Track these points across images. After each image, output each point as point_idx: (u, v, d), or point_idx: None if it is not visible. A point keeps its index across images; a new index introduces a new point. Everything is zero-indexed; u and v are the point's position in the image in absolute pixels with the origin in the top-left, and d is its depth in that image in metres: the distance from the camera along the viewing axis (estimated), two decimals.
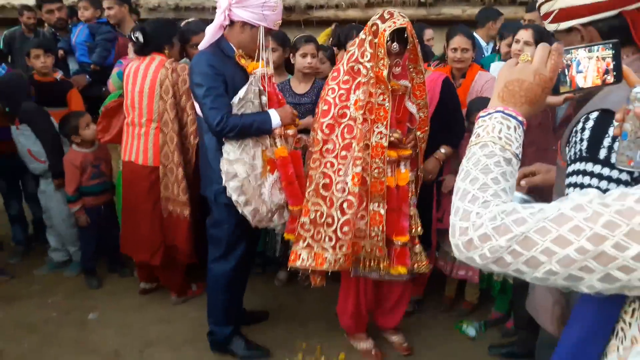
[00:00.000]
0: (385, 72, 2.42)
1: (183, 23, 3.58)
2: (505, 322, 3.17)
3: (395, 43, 2.42)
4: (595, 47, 1.02)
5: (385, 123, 2.49)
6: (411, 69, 2.58)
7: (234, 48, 2.61)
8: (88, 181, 3.58)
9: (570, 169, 1.24)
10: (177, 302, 3.44)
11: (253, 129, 2.56)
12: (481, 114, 0.99)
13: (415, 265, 2.69)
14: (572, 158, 1.25)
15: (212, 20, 2.62)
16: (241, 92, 2.54)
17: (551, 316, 1.52)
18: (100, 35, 4.16)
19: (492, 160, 0.91)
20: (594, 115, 1.23)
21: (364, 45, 2.47)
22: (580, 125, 1.26)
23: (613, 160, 1.14)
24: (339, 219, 2.52)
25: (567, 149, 1.29)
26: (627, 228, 0.72)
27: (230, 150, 2.59)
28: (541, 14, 1.41)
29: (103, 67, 4.08)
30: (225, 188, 2.61)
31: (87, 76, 4.10)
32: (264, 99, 2.62)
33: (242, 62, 2.59)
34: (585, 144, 1.21)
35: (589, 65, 1.02)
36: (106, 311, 3.36)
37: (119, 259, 3.86)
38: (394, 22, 2.36)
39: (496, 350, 2.93)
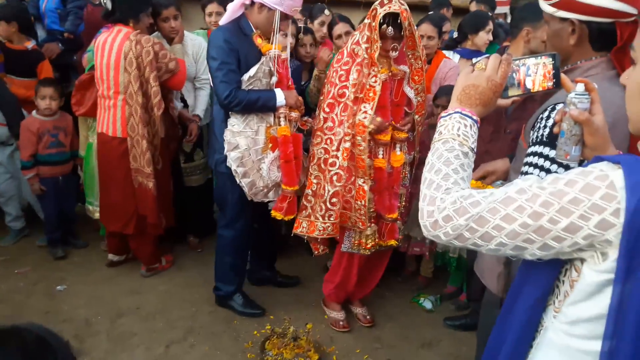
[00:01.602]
0: (376, 54, 2.56)
1: None
2: (459, 296, 3.41)
3: (390, 27, 2.52)
4: (540, 58, 1.20)
5: (372, 104, 2.62)
6: (409, 55, 2.69)
7: (253, 27, 2.72)
8: (44, 149, 3.58)
9: (530, 149, 1.44)
10: (146, 275, 3.52)
11: (258, 104, 2.71)
12: (442, 114, 1.15)
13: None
14: (534, 141, 1.44)
15: None
16: (252, 71, 2.69)
17: (496, 279, 1.82)
18: (71, 2, 4.08)
19: (452, 154, 1.07)
20: (560, 106, 1.40)
21: (364, 29, 2.61)
22: (546, 114, 1.45)
23: None
24: (329, 191, 2.72)
25: (531, 132, 1.48)
26: (558, 206, 0.90)
27: (235, 123, 2.76)
28: None
29: (75, 35, 4.03)
30: (225, 158, 2.79)
31: (60, 44, 4.03)
32: (274, 79, 2.76)
33: (258, 42, 2.71)
34: (547, 130, 1.41)
35: (535, 72, 1.19)
36: (75, 283, 3.40)
37: (72, 231, 3.90)
38: (389, 7, 2.48)
39: (451, 322, 3.16)
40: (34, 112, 3.58)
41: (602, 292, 0.91)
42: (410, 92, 2.75)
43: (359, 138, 2.65)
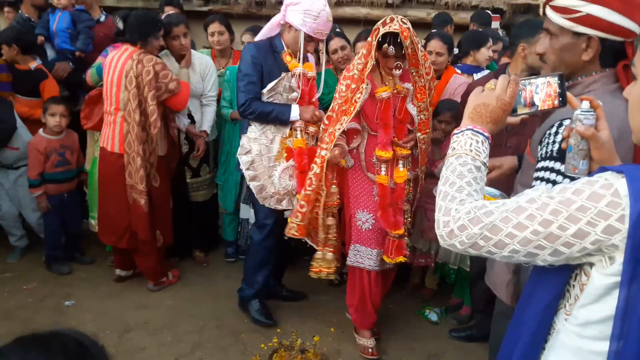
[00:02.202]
0: (367, 72, 2.62)
1: (164, 15, 3.68)
2: (461, 309, 3.44)
3: (391, 46, 2.56)
4: (546, 77, 1.27)
5: (348, 118, 2.70)
6: (413, 73, 2.72)
7: (284, 46, 2.90)
8: (52, 168, 3.63)
9: (540, 164, 1.49)
10: (153, 290, 3.54)
11: (271, 116, 2.91)
12: (455, 131, 1.22)
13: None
14: (543, 156, 1.49)
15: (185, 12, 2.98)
16: (271, 84, 2.89)
17: (506, 289, 1.86)
18: (82, 22, 4.18)
19: (465, 168, 1.14)
20: (567, 122, 1.45)
21: (365, 46, 2.69)
22: (554, 130, 1.49)
23: None
24: (301, 193, 2.83)
25: (538, 147, 1.53)
26: (567, 214, 0.96)
27: (253, 130, 2.97)
28: (552, 5, 1.51)
29: (85, 54, 4.12)
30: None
31: (70, 63, 4.10)
32: (294, 94, 2.94)
33: (287, 59, 2.90)
34: (556, 146, 1.46)
35: (542, 91, 1.26)
36: (82, 298, 3.43)
37: (78, 247, 3.93)
38: (389, 27, 2.52)
39: (456, 334, 3.19)
40: (40, 130, 3.63)
41: (610, 294, 0.96)
42: (413, 110, 2.79)
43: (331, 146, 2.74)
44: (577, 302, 1.03)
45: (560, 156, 1.42)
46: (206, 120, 3.70)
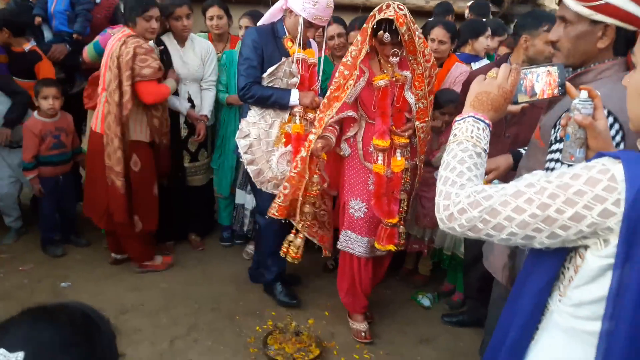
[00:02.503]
0: (360, 59, 2.60)
1: None
2: (454, 295, 3.49)
3: (386, 33, 2.52)
4: (546, 67, 1.31)
5: (338, 104, 2.67)
6: (411, 60, 2.68)
7: (286, 31, 2.91)
8: (47, 151, 3.62)
9: (554, 147, 1.51)
10: (138, 272, 3.56)
11: (271, 100, 2.93)
12: (457, 118, 1.26)
13: (401, 243, 2.94)
14: (558, 139, 1.51)
15: None
16: (271, 68, 2.90)
17: (502, 273, 1.92)
18: (80, 5, 4.14)
19: (466, 154, 1.17)
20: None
21: (360, 32, 2.66)
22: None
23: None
24: (286, 175, 2.86)
25: (552, 130, 1.56)
26: (564, 197, 0.99)
27: (252, 115, 3.00)
28: None
29: (83, 37, 4.09)
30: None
31: (67, 45, 4.08)
32: (294, 80, 2.95)
33: (288, 45, 2.91)
34: None
35: (542, 81, 1.29)
36: (78, 280, 3.45)
37: (74, 229, 3.95)
38: (384, 13, 2.49)
39: (448, 319, 3.24)
40: (34, 113, 3.62)
41: (603, 275, 0.99)
42: (410, 98, 2.76)
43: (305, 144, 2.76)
44: (571, 283, 1.06)
45: None
46: (206, 105, 3.70)
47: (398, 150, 2.80)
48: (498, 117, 1.26)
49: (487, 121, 1.22)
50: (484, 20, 4.21)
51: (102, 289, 3.36)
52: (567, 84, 1.29)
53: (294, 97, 2.93)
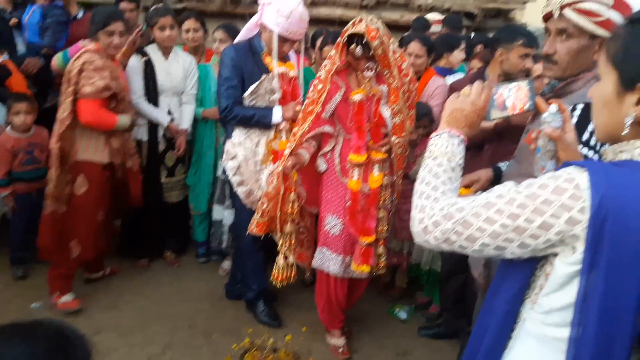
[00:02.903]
0: (331, 73, 2.59)
1: (152, 8, 3.74)
2: (430, 307, 3.51)
3: (359, 47, 2.52)
4: (517, 83, 1.34)
5: (311, 118, 2.66)
6: (386, 74, 2.65)
7: (264, 46, 2.85)
8: (20, 167, 3.53)
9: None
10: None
11: (253, 120, 2.89)
12: (433, 134, 1.29)
13: (377, 265, 2.84)
14: (532, 137, 1.55)
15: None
16: (252, 87, 2.86)
17: (478, 277, 1.96)
18: (51, 17, 4.06)
19: (441, 168, 1.20)
20: (580, 106, 1.53)
21: (334, 47, 2.65)
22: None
23: (592, 142, 1.47)
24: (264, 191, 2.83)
25: None
26: (532, 207, 1.01)
27: (237, 135, 2.94)
28: (575, 8, 1.58)
29: (53, 50, 4.02)
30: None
31: (41, 59, 4.01)
32: (276, 96, 2.89)
33: (267, 60, 2.85)
34: None
35: (514, 97, 1.32)
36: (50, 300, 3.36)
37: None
38: (356, 27, 2.47)
39: (425, 332, 3.25)
40: (7, 128, 3.55)
41: (571, 282, 1.02)
42: (386, 113, 2.72)
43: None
44: (542, 290, 1.09)
45: (577, 137, 1.48)
46: (186, 118, 3.67)
47: (376, 166, 2.76)
48: (472, 132, 1.30)
49: (461, 137, 1.26)
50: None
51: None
52: (537, 98, 1.34)
53: (277, 114, 2.88)
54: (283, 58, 2.93)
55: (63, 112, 3.05)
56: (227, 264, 3.88)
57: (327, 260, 2.87)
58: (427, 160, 1.24)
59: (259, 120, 2.90)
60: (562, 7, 1.64)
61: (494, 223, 1.04)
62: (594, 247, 0.96)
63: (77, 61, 3.03)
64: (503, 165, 2.02)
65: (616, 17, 1.52)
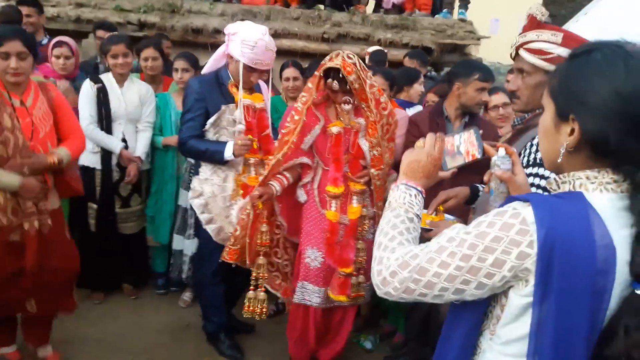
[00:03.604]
0: (306, 106, 2.60)
1: (107, 36, 3.76)
2: (395, 336, 3.51)
3: (335, 82, 2.55)
4: (466, 133, 1.44)
5: (286, 147, 2.64)
6: (364, 108, 2.66)
7: (230, 77, 2.81)
8: None
9: (526, 171, 1.59)
10: None
11: (206, 155, 2.82)
12: (392, 186, 1.33)
13: (354, 296, 2.79)
14: (526, 164, 1.65)
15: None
16: (212, 119, 2.79)
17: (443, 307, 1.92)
18: None
19: (398, 219, 1.23)
20: (536, 141, 1.60)
21: (310, 80, 2.67)
22: (535, 141, 1.67)
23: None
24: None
25: (520, 158, 1.66)
26: (482, 246, 1.04)
27: (204, 171, 2.86)
28: (526, 48, 1.71)
29: None
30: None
31: None
32: (240, 127, 2.81)
33: (233, 91, 2.81)
34: (538, 155, 1.61)
35: (465, 145, 1.43)
36: None
37: None
38: (333, 61, 2.51)
39: None
40: None
41: (525, 313, 1.04)
42: (364, 145, 2.71)
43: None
44: (499, 321, 1.11)
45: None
46: (141, 146, 3.60)
47: (354, 197, 2.74)
48: (430, 183, 1.34)
49: (419, 188, 1.29)
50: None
51: (24, 344, 3.10)
52: (484, 144, 1.42)
53: (228, 150, 2.76)
54: (251, 89, 2.91)
55: None
56: (187, 295, 3.79)
57: (309, 294, 2.80)
58: (386, 212, 1.27)
59: (212, 156, 2.81)
60: (517, 48, 1.78)
61: (448, 266, 1.05)
62: (544, 279, 0.99)
63: None
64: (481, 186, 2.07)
65: (565, 53, 1.61)
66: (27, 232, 2.52)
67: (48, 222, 2.60)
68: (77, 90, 3.60)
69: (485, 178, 1.37)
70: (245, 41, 2.68)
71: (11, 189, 2.44)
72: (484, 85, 2.87)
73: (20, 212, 2.50)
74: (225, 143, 2.80)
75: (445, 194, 1.96)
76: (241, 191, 2.86)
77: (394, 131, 2.83)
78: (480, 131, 1.49)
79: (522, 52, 1.74)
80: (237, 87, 2.80)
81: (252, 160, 2.86)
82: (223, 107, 2.82)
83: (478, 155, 1.41)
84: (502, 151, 1.35)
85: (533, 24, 1.73)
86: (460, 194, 2.07)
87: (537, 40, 1.69)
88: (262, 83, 3.02)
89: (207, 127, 2.83)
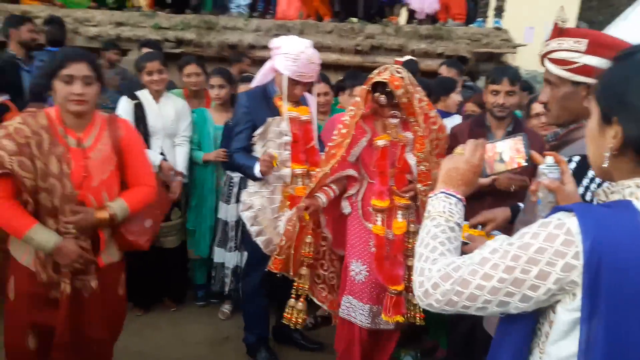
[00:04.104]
0: (355, 119, 2.60)
1: (142, 54, 3.81)
2: (437, 352, 3.43)
3: (382, 96, 2.53)
4: (511, 140, 1.38)
5: (334, 161, 2.63)
6: (412, 122, 2.62)
7: (277, 90, 2.86)
8: None
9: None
10: None
11: (242, 170, 2.87)
12: (430, 195, 1.31)
13: (415, 315, 2.72)
14: (531, 190, 1.54)
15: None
16: (258, 130, 2.84)
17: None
18: (38, 62, 4.14)
19: (438, 229, 1.21)
20: (576, 158, 1.52)
21: (359, 93, 2.66)
22: (576, 159, 1.54)
23: (587, 198, 1.45)
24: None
25: None
26: (526, 257, 1.01)
27: (252, 183, 2.89)
28: (550, 58, 1.60)
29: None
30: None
31: (45, 104, 4.02)
32: (286, 139, 2.84)
33: (278, 104, 2.85)
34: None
35: (509, 152, 1.37)
36: None
37: None
38: (380, 76, 2.51)
39: None
40: None
41: (575, 329, 1.00)
42: (411, 160, 2.66)
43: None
44: (548, 339, 1.07)
45: None
46: (181, 160, 3.63)
47: (399, 212, 2.69)
48: (470, 190, 1.30)
49: (458, 196, 1.26)
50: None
51: None
52: (532, 152, 1.36)
53: (257, 167, 2.77)
54: (297, 102, 2.93)
55: None
56: (226, 307, 3.81)
57: (354, 310, 2.74)
58: (425, 222, 1.24)
59: (246, 171, 2.87)
60: (541, 59, 1.67)
61: (491, 279, 1.03)
62: (591, 292, 0.95)
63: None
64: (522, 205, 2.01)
65: (593, 61, 1.50)
66: (62, 291, 2.13)
67: (91, 283, 2.18)
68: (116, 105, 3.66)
69: (533, 187, 1.32)
70: (288, 54, 2.73)
71: (45, 250, 2.08)
72: (494, 87, 2.82)
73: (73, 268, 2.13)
74: (256, 159, 2.81)
75: (482, 215, 1.89)
76: (288, 202, 2.87)
77: (443, 146, 2.76)
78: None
79: (546, 62, 1.64)
80: (283, 101, 2.84)
81: (298, 171, 2.87)
82: (269, 119, 2.85)
83: (524, 163, 1.36)
84: (550, 159, 1.30)
85: (556, 31, 1.61)
86: (499, 216, 1.99)
87: (559, 50, 1.57)
88: (308, 96, 3.05)
89: (255, 139, 2.88)
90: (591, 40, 1.52)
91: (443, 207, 1.23)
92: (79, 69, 2.10)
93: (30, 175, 2.02)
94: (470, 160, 1.30)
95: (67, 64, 2.08)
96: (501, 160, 1.38)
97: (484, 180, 1.37)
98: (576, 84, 1.56)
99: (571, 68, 1.55)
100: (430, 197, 1.28)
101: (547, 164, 1.30)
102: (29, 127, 2.05)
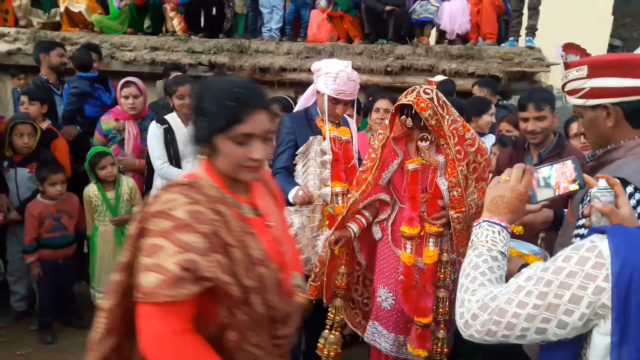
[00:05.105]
0: (382, 142, 2.56)
1: (170, 77, 3.87)
2: None
3: (409, 119, 2.45)
4: (560, 164, 1.35)
5: (364, 185, 2.59)
6: (443, 145, 2.48)
7: (319, 112, 2.93)
8: (47, 233, 3.56)
9: (580, 222, 1.52)
10: None
11: None
12: (474, 224, 1.29)
13: (439, 351, 2.55)
14: (584, 214, 1.50)
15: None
16: (300, 149, 2.90)
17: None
18: (70, 89, 4.25)
19: (480, 259, 1.19)
20: (630, 189, 1.47)
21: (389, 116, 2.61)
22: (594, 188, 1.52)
23: None
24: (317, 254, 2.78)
25: (580, 206, 1.57)
26: (558, 282, 1.00)
27: None
28: (565, 91, 1.65)
29: (89, 119, 4.15)
30: None
31: (78, 127, 4.16)
32: (327, 157, 2.88)
33: (320, 124, 2.91)
34: None
35: (558, 177, 1.33)
36: None
37: (74, 311, 3.82)
38: (406, 98, 2.42)
39: None
40: (38, 196, 3.60)
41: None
42: (442, 185, 2.51)
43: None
44: None
45: None
46: None
47: (431, 240, 2.53)
48: (517, 218, 1.28)
49: (503, 224, 1.24)
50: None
51: None
52: (585, 175, 1.32)
53: (292, 193, 2.71)
54: (338, 123, 2.96)
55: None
56: None
57: (379, 337, 2.67)
58: (468, 252, 1.24)
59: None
60: (564, 92, 1.71)
61: (526, 306, 1.03)
62: (621, 315, 0.92)
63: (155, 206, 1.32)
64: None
65: (599, 83, 1.53)
66: None
67: None
68: (146, 129, 3.71)
69: (586, 211, 1.29)
70: (329, 74, 2.80)
71: None
72: (522, 115, 2.76)
73: None
74: (295, 185, 2.78)
75: (520, 222, 1.86)
76: (327, 222, 2.86)
77: (484, 169, 2.56)
78: None
79: (566, 96, 1.69)
80: (324, 121, 2.88)
81: (338, 190, 2.87)
82: (311, 137, 2.90)
83: (575, 187, 1.32)
84: (602, 182, 1.26)
85: (564, 66, 1.69)
86: (538, 219, 1.95)
87: (567, 81, 1.63)
88: (348, 118, 3.11)
89: (297, 157, 2.92)
90: (590, 65, 1.56)
91: (486, 236, 1.22)
92: (260, 121, 1.38)
93: (232, 279, 1.29)
94: (516, 187, 1.27)
95: (246, 115, 1.36)
96: (548, 185, 1.34)
97: (532, 207, 1.34)
98: (594, 108, 1.58)
99: (582, 94, 1.58)
100: (474, 225, 1.27)
101: (599, 187, 1.26)
102: (203, 206, 1.31)
